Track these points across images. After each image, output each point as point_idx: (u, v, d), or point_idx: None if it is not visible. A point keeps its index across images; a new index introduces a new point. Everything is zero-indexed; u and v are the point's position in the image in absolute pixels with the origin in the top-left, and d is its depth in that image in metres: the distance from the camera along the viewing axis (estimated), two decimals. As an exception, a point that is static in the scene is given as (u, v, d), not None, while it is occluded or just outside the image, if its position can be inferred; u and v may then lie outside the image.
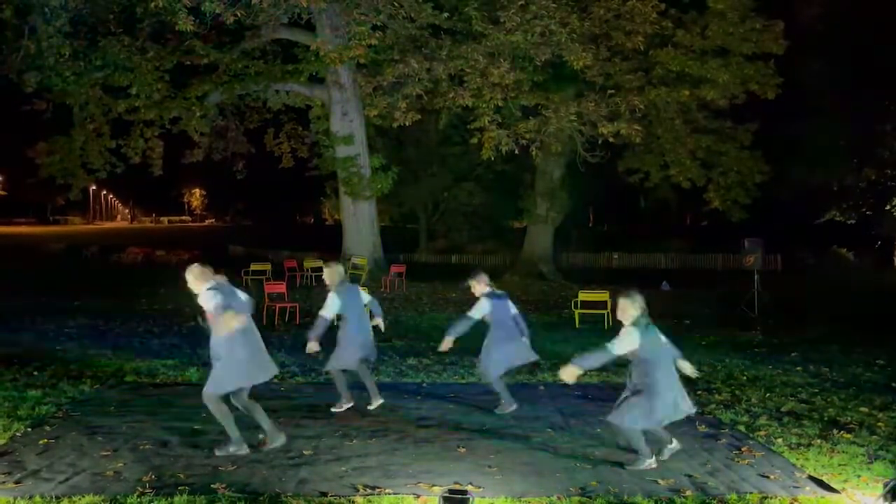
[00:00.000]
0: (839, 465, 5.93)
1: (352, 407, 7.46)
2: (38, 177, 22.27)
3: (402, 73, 18.89)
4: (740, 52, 20.93)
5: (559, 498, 5.14)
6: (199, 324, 6.16)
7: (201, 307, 5.92)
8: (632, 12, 18.64)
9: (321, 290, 19.00)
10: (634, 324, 5.75)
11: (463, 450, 6.20)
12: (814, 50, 26.18)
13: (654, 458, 5.81)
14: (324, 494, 5.12)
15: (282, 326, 13.58)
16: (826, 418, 7.43)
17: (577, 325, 14.26)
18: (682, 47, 20.66)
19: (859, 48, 27.26)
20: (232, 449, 5.90)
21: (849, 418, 7.42)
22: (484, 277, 7.57)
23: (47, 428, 6.59)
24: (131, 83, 19.33)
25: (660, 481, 5.50)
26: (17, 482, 5.22)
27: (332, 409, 7.37)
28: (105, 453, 5.90)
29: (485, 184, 38.13)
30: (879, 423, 7.20)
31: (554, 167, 25.39)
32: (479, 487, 5.27)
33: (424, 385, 8.90)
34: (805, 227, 35.38)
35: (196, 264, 6.08)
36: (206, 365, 9.63)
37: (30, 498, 4.91)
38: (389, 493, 5.14)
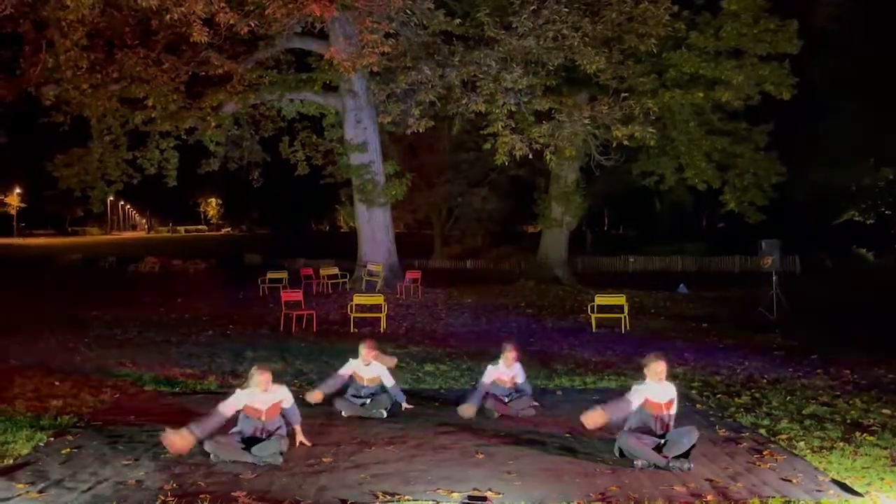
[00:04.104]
0: (862, 468, 5.87)
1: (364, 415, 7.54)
2: (57, 189, 22.50)
3: (414, 80, 18.94)
4: (754, 52, 20.79)
5: (579, 503, 5.12)
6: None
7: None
8: (644, 15, 18.57)
9: (337, 298, 19.13)
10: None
11: (482, 455, 6.19)
12: (829, 49, 25.98)
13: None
14: (343, 501, 5.13)
15: (299, 334, 13.61)
16: (848, 421, 7.35)
17: (594, 329, 14.19)
18: (696, 49, 20.56)
19: (874, 46, 27.04)
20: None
21: (871, 421, 7.34)
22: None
23: (69, 437, 6.64)
24: (147, 94, 19.50)
25: (680, 486, 5.46)
26: (40, 492, 5.27)
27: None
28: (126, 462, 5.95)
29: (499, 189, 38.15)
30: (903, 426, 7.12)
31: (568, 171, 25.33)
32: (499, 493, 5.26)
33: (442, 391, 8.89)
34: (823, 228, 35.07)
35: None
36: (223, 373, 9.70)
37: (53, 507, 4.96)
38: (409, 500, 5.14)
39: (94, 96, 19.22)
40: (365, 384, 7.66)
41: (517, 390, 7.83)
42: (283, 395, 6.33)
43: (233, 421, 6.20)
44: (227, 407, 6.13)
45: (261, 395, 6.20)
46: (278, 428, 6.20)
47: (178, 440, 5.84)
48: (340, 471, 5.79)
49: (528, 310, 17.72)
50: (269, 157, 24.97)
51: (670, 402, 6.26)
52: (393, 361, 8.22)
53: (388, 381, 7.74)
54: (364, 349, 7.68)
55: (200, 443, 6.06)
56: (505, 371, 7.77)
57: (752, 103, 21.82)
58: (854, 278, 26.54)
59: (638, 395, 6.19)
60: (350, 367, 7.72)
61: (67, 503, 5.02)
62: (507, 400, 7.68)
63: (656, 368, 6.22)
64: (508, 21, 18.24)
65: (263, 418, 6.17)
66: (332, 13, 16.51)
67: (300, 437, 6.43)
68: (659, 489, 5.38)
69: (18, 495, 5.18)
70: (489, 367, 7.80)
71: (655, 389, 6.22)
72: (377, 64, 18.53)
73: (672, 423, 6.20)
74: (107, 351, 11.37)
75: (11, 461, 5.91)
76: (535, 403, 7.85)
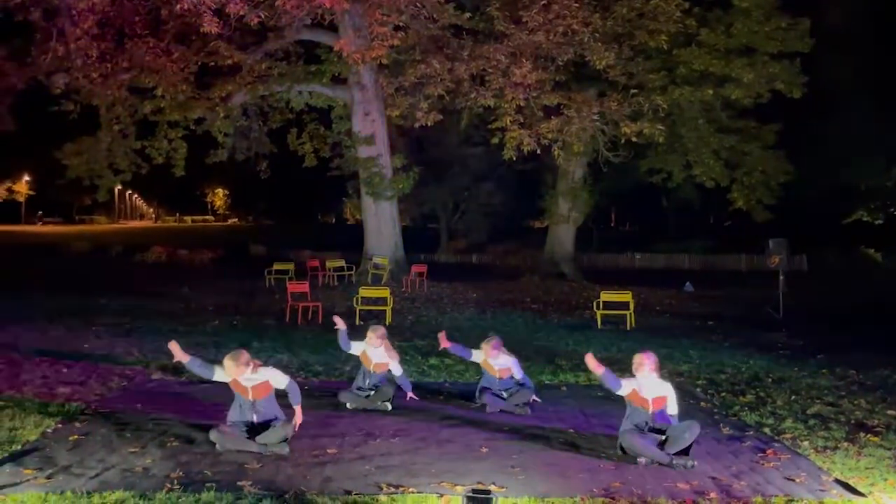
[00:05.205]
0: (866, 468, 5.87)
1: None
2: (66, 177, 22.59)
3: (423, 73, 18.92)
4: (765, 50, 20.72)
5: (582, 499, 5.13)
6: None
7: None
8: (655, 11, 18.53)
9: (343, 290, 19.17)
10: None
11: (486, 449, 6.21)
12: (840, 48, 25.83)
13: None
14: (348, 493, 5.16)
15: (304, 325, 13.66)
16: (853, 421, 7.35)
17: (599, 326, 14.20)
18: (707, 46, 20.50)
19: (886, 46, 26.89)
20: None
21: (876, 421, 7.34)
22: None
23: (77, 424, 6.69)
24: (157, 84, 19.53)
25: (684, 483, 5.47)
26: (48, 477, 5.32)
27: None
28: (133, 450, 5.99)
29: (506, 184, 38.10)
30: (907, 427, 7.11)
31: (576, 167, 25.31)
32: (503, 487, 5.28)
33: (447, 384, 8.92)
34: (831, 228, 34.93)
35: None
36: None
37: (61, 493, 4.99)
38: (413, 492, 5.16)
39: (104, 85, 19.27)
40: (371, 369, 7.67)
41: (517, 384, 7.78)
42: (268, 376, 6.27)
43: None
44: (216, 371, 6.32)
45: (245, 376, 6.23)
46: (275, 417, 6.20)
47: (176, 350, 6.37)
48: (345, 462, 5.82)
49: (534, 305, 17.73)
50: (276, 149, 25.00)
51: (658, 400, 6.18)
52: (395, 357, 8.10)
53: (397, 370, 7.79)
54: (371, 334, 7.67)
55: (207, 430, 6.12)
56: (488, 359, 7.74)
57: (761, 101, 21.75)
58: (861, 278, 26.44)
59: (627, 386, 6.23)
60: (360, 347, 7.76)
61: (75, 489, 5.07)
62: (506, 395, 7.67)
63: (634, 360, 6.29)
64: (518, 15, 18.20)
65: (250, 396, 6.20)
66: (343, 6, 16.52)
67: (298, 419, 6.31)
68: (662, 486, 5.40)
69: (27, 480, 5.23)
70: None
71: (644, 384, 6.21)
72: (386, 56, 18.54)
73: (662, 423, 6.13)
74: (114, 339, 11.44)
75: (20, 447, 5.97)
76: (537, 399, 7.85)
